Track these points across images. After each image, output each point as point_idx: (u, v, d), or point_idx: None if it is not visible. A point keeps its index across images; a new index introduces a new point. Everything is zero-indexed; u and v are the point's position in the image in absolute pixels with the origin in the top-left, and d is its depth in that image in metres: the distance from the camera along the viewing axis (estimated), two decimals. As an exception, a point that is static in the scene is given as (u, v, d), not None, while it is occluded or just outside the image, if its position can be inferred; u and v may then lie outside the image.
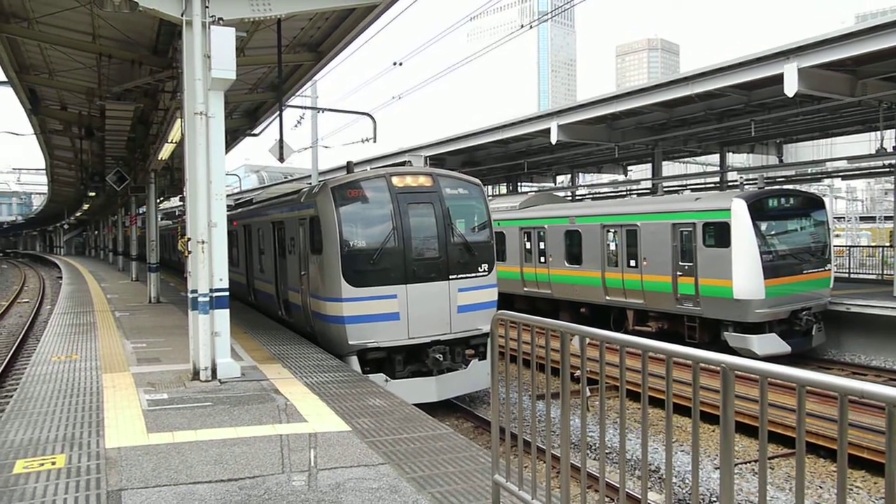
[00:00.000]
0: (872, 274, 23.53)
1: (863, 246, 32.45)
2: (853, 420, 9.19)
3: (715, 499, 8.34)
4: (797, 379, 2.58)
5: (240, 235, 18.11)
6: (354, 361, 10.81)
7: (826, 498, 8.50)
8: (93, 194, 28.03)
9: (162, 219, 34.94)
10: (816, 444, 9.52)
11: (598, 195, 33.22)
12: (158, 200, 22.14)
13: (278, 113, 13.41)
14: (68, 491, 5.02)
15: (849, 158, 21.07)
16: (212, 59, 8.15)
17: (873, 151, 18.16)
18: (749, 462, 9.51)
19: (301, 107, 24.89)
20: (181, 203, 31.71)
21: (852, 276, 23.31)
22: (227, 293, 8.66)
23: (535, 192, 30.80)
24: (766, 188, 16.73)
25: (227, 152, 12.81)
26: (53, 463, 5.61)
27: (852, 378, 3.92)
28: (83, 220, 62.08)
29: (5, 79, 13.94)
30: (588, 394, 10.65)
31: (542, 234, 19.99)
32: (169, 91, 13.42)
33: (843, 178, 28.96)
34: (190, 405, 7.46)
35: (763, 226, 14.87)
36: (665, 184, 25.13)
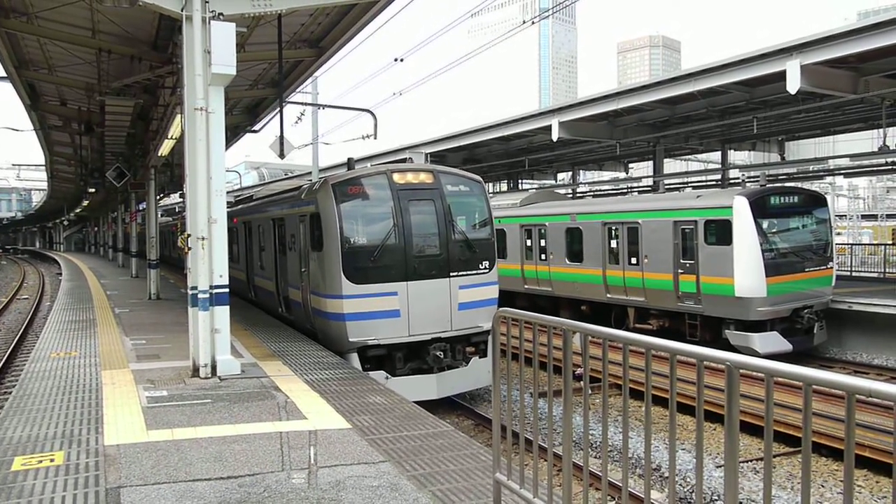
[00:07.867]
0: (874, 272, 23.49)
1: (864, 244, 32.40)
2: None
3: (716, 497, 8.31)
4: (804, 377, 2.54)
5: (240, 232, 18.08)
6: (355, 358, 10.78)
7: (828, 497, 8.47)
8: (92, 190, 28.09)
9: (162, 215, 34.91)
10: (817, 442, 9.47)
11: (599, 192, 33.19)
12: (158, 197, 22.12)
13: (279, 109, 13.36)
14: (67, 488, 4.99)
15: (851, 156, 21.08)
16: (212, 54, 8.11)
17: (875, 149, 18.12)
18: (750, 461, 9.48)
19: (302, 103, 24.80)
20: (181, 199, 31.67)
21: (854, 274, 23.27)
22: (227, 290, 8.62)
23: (536, 189, 30.78)
24: (768, 186, 16.67)
25: (227, 149, 12.74)
26: (52, 460, 5.57)
27: (855, 376, 3.88)
28: (83, 217, 62.10)
29: (5, 74, 13.90)
30: (589, 392, 10.62)
31: (542, 231, 19.94)
32: (169, 87, 13.39)
33: (846, 175, 28.93)
34: (189, 402, 7.43)
35: (765, 223, 14.83)
36: (666, 181, 25.10)
